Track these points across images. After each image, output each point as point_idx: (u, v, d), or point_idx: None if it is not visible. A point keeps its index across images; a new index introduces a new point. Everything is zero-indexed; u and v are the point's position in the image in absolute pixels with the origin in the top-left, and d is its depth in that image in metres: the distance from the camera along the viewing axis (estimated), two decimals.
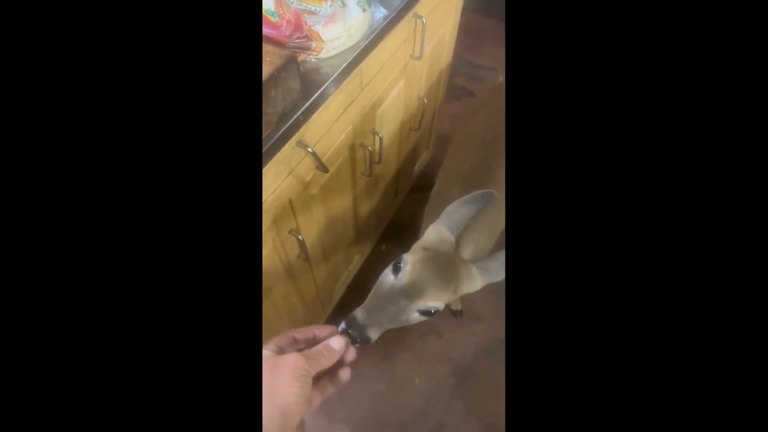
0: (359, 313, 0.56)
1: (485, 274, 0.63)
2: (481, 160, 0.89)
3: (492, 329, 1.34)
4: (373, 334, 0.55)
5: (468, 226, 0.69)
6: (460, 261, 0.62)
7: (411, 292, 0.57)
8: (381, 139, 0.95)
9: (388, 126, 1.02)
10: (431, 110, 1.30)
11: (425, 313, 0.59)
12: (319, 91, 0.63)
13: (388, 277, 0.60)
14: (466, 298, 1.37)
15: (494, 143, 0.92)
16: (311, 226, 0.87)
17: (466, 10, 2.29)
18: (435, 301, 0.58)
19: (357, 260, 1.30)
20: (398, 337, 1.31)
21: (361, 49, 0.68)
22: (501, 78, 1.18)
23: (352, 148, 0.89)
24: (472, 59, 1.99)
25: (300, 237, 0.78)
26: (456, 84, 1.87)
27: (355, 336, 0.53)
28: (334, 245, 1.07)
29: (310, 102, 0.61)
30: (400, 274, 0.59)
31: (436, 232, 0.65)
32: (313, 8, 0.67)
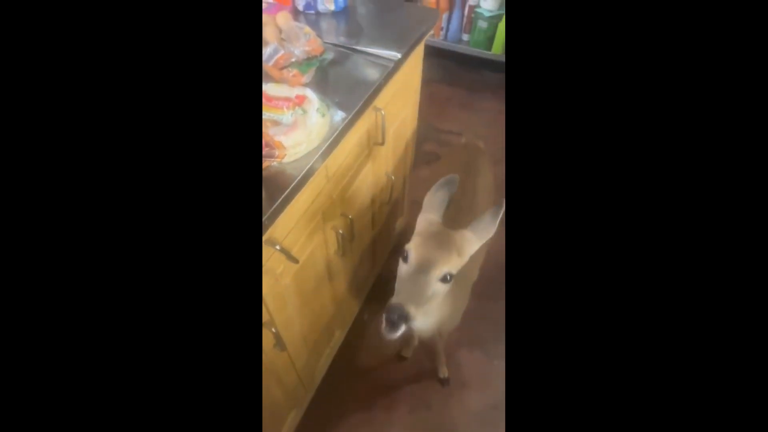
0: (393, 299, 0.68)
1: (477, 234, 0.76)
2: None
3: (481, 395, 1.31)
4: (412, 310, 0.67)
5: (451, 210, 0.84)
6: (452, 231, 0.76)
7: (424, 268, 0.70)
8: (352, 220, 0.99)
9: (358, 205, 1.06)
10: (401, 181, 1.36)
11: (444, 280, 0.71)
12: (284, 195, 0.67)
13: (402, 266, 0.74)
14: (451, 364, 1.36)
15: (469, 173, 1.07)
16: (286, 314, 0.87)
17: (431, 82, 2.45)
18: (446, 266, 0.71)
19: (338, 335, 1.29)
20: (387, 413, 1.27)
21: (322, 151, 0.73)
22: (464, 140, 1.31)
23: (324, 232, 0.92)
24: (439, 125, 2.11)
25: (273, 329, 0.78)
26: (425, 150, 1.96)
27: (394, 318, 0.65)
28: (313, 327, 1.06)
29: (275, 206, 0.65)
30: (409, 260, 0.72)
31: (424, 220, 0.80)
32: (276, 117, 0.73)
